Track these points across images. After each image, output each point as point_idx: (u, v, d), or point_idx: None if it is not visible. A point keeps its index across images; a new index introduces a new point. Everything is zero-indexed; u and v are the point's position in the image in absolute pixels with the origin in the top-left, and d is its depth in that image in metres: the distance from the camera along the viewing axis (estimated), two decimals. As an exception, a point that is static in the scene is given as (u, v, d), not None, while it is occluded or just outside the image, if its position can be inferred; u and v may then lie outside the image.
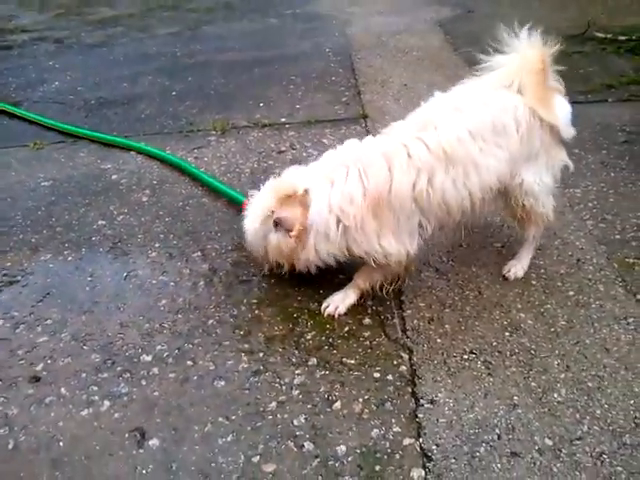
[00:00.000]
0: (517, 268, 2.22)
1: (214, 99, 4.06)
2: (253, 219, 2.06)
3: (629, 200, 2.65)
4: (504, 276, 2.22)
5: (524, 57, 1.98)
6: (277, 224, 1.96)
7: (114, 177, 3.13)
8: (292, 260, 2.05)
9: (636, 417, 1.66)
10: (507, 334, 1.97)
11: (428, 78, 4.04)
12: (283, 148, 3.31)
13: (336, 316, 2.08)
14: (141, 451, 1.66)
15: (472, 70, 2.14)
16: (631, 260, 2.28)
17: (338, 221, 1.91)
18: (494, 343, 1.93)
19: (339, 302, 2.10)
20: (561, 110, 2.00)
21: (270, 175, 2.21)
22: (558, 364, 1.84)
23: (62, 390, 1.86)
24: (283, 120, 3.66)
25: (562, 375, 1.80)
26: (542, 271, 2.26)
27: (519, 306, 2.09)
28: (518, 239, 2.32)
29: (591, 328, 1.97)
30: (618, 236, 2.42)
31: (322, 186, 1.93)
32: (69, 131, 3.65)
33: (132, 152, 3.36)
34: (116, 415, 1.77)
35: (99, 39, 5.73)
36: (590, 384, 1.77)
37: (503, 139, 1.92)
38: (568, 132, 2.04)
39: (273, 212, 1.96)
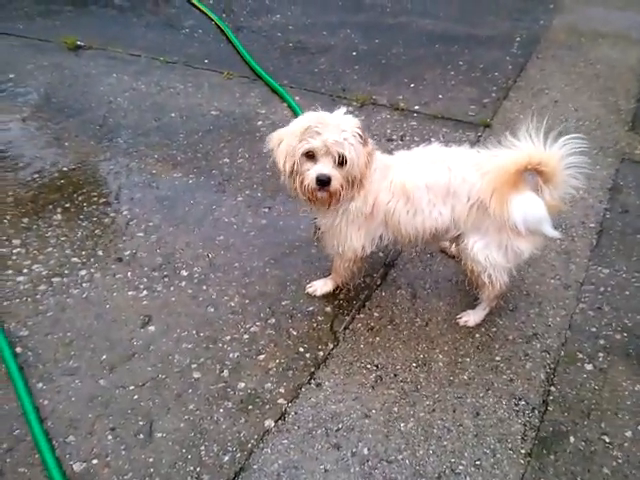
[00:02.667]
0: (469, 318, 2.53)
1: (379, 69, 4.51)
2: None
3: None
4: (456, 319, 2.55)
5: (508, 158, 2.13)
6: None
7: (259, 123, 3.94)
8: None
9: (443, 472, 2.03)
10: (414, 365, 2.38)
11: (584, 101, 3.89)
12: (394, 136, 3.73)
13: (312, 295, 2.70)
14: (142, 331, 2.58)
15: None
16: (580, 356, 2.39)
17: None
18: (397, 367, 2.38)
19: (318, 287, 2.70)
20: (526, 209, 2.12)
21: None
22: (428, 405, 2.24)
23: (128, 274, 2.85)
24: (416, 108, 4.01)
25: (422, 414, 2.21)
26: (494, 329, 2.52)
27: (445, 348, 2.44)
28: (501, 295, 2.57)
29: (483, 393, 2.27)
30: (594, 329, 2.49)
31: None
32: (253, 69, 4.50)
33: (284, 104, 4.12)
34: (144, 302, 2.71)
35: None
36: (435, 431, 2.15)
37: (451, 200, 2.24)
38: (528, 229, 2.15)
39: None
